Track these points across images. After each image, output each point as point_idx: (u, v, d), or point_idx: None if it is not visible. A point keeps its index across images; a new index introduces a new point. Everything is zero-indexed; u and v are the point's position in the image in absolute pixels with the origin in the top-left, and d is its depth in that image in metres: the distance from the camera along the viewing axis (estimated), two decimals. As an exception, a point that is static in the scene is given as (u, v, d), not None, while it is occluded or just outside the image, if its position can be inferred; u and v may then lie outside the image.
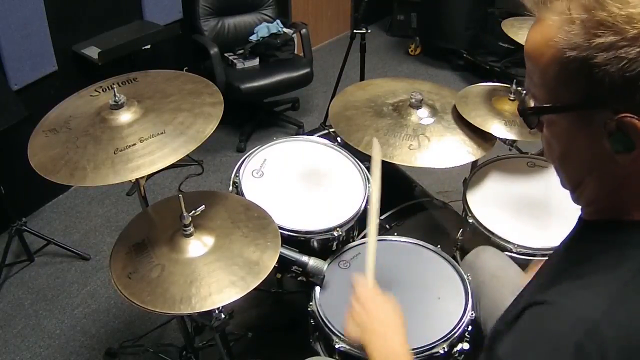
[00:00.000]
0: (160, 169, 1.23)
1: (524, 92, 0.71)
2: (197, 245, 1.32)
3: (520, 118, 1.81)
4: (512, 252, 1.57)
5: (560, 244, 0.86)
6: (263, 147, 1.82)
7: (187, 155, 1.27)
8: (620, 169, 0.64)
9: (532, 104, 0.70)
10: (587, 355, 0.59)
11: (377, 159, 1.30)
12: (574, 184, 0.74)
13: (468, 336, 1.37)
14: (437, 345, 1.30)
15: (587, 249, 0.72)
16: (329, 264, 1.51)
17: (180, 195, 1.29)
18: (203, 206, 1.32)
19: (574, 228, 0.84)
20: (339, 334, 1.34)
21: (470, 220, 1.68)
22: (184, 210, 1.29)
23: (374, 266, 1.19)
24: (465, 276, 1.47)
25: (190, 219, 1.30)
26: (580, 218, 0.79)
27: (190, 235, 1.32)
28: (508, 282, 1.45)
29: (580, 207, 0.77)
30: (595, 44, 0.58)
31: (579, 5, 0.59)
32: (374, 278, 1.18)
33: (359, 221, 1.67)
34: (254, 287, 1.23)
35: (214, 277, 1.24)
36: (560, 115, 0.66)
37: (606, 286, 0.64)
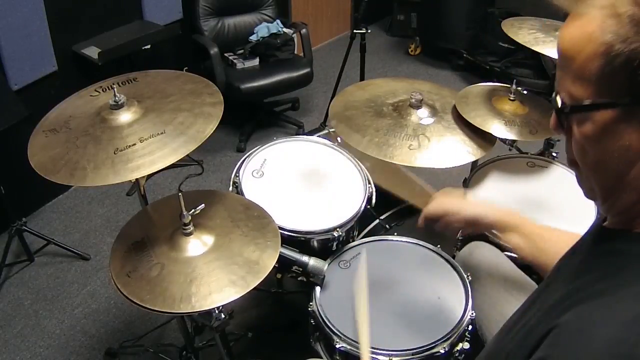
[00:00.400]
0: (160, 169, 1.23)
1: (555, 92, 0.68)
2: (197, 244, 1.32)
3: (519, 118, 1.80)
4: (511, 252, 1.57)
5: (574, 248, 0.83)
6: (263, 147, 1.82)
7: (187, 155, 1.27)
8: None
9: (559, 104, 0.66)
10: None
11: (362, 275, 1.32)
12: (606, 192, 0.70)
13: (468, 336, 1.37)
14: (437, 344, 1.30)
15: (608, 260, 0.69)
16: (329, 264, 1.51)
17: (180, 193, 1.29)
18: (203, 205, 1.32)
19: (589, 234, 0.80)
20: (340, 334, 1.34)
21: (470, 220, 1.68)
22: (183, 208, 1.29)
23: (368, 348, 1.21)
24: (465, 276, 1.47)
25: (190, 217, 1.30)
26: (599, 225, 0.76)
27: (190, 234, 1.32)
28: (503, 280, 1.45)
29: (606, 214, 0.74)
30: None
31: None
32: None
33: (359, 221, 1.67)
34: (254, 286, 1.23)
35: (213, 276, 1.24)
36: (599, 113, 0.63)
37: (634, 304, 0.61)
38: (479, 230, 1.24)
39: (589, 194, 0.73)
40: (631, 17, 0.58)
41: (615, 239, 0.71)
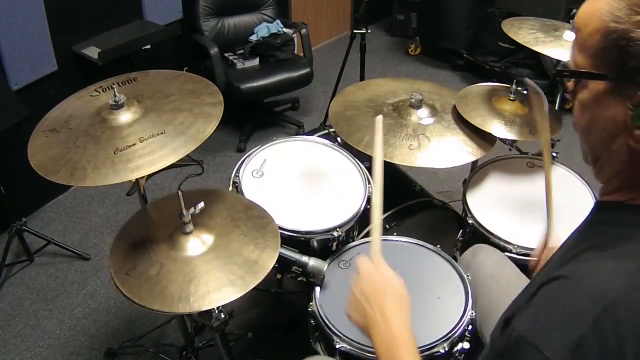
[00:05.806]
0: (160, 169, 1.23)
1: (568, 58, 0.76)
2: (197, 244, 1.32)
3: (519, 118, 1.80)
4: (512, 252, 1.57)
5: (575, 229, 0.87)
6: (263, 147, 1.82)
7: (187, 155, 1.27)
8: (636, 146, 0.68)
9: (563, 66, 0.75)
10: (603, 330, 0.62)
11: (379, 135, 1.19)
12: (594, 157, 0.78)
13: (468, 335, 1.37)
14: (437, 344, 1.31)
15: (601, 230, 0.75)
16: (328, 264, 1.51)
17: (179, 192, 1.29)
18: (202, 204, 1.32)
19: (590, 212, 0.85)
20: (340, 334, 1.34)
21: (470, 221, 1.68)
22: (183, 207, 1.28)
23: (379, 241, 1.08)
24: (465, 275, 1.47)
25: (189, 216, 1.30)
26: (596, 201, 0.83)
27: (190, 233, 1.32)
28: (505, 282, 1.45)
29: (596, 178, 0.80)
30: (633, 20, 0.64)
31: None
32: (379, 252, 1.06)
33: (359, 221, 1.67)
34: (253, 287, 1.23)
35: (212, 276, 1.24)
36: (594, 82, 0.71)
37: (622, 265, 0.66)
38: None
39: (584, 157, 0.81)
40: (629, 1, 0.65)
41: (604, 210, 0.79)
